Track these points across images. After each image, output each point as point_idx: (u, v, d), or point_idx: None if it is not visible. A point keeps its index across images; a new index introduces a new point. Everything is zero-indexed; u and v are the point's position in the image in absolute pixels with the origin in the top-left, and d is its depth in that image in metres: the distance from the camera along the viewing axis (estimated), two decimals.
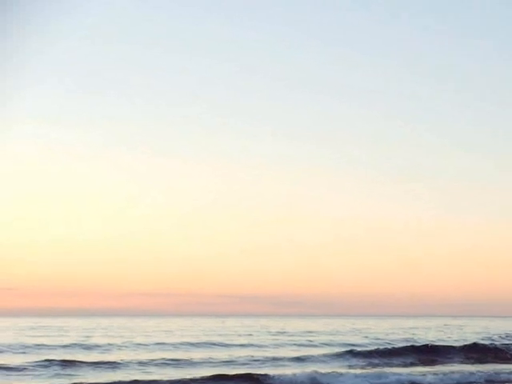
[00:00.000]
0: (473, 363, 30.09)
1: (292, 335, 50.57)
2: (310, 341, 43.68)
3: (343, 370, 24.14)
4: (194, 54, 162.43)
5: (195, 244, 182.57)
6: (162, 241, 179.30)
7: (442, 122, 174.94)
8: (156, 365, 25.86)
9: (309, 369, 23.07)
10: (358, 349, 34.25)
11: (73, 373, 22.56)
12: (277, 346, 39.49)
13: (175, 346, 37.39)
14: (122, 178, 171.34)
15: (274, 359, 29.48)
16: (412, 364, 29.41)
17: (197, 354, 31.06)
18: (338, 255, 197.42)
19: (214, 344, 39.54)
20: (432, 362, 30.14)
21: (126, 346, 36.31)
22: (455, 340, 42.79)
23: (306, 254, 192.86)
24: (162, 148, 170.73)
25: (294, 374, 21.33)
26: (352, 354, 31.85)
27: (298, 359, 29.59)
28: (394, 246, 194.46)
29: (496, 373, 23.79)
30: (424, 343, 37.66)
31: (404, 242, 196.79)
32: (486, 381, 21.99)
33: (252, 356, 30.52)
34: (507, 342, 41.31)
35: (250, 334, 51.67)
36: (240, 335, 50.73)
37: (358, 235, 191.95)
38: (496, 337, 48.12)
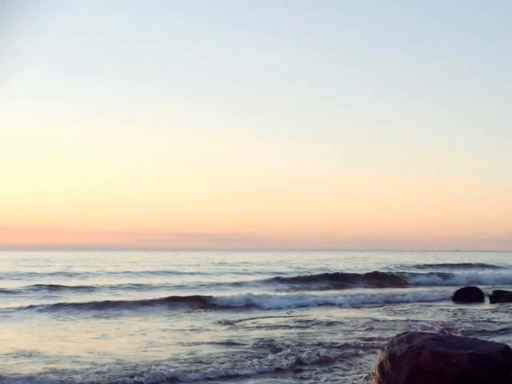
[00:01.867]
0: (374, 287, 30.51)
1: (231, 265, 50.84)
2: (246, 270, 44.02)
3: (272, 293, 24.37)
4: (153, 42, 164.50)
5: (155, 193, 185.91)
6: (128, 190, 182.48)
7: (347, 96, 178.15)
8: (123, 288, 26.00)
9: (244, 292, 23.26)
10: (284, 276, 34.61)
11: (57, 295, 22.69)
12: (219, 273, 39.78)
13: (138, 273, 37.57)
14: (97, 140, 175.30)
15: (217, 284, 29.74)
16: (326, 288, 29.74)
17: (155, 280, 31.22)
18: (268, 201, 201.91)
19: (169, 272, 39.73)
20: (342, 287, 30.49)
21: (99, 274, 36.48)
22: (360, 269, 43.24)
23: (243, 200, 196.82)
24: (128, 117, 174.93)
25: (233, 296, 21.50)
26: (278, 280, 32.19)
27: (236, 284, 29.83)
28: (310, 194, 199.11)
29: (392, 295, 24.19)
30: (335, 272, 38.08)
31: (318, 190, 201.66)
32: (385, 301, 22.28)
33: (199, 282, 30.75)
34: (401, 271, 41.92)
35: (198, 265, 51.91)
36: (190, 265, 50.88)
37: (283, 185, 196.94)
38: (392, 267, 48.73)
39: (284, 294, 24.80)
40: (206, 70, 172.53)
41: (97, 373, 8.83)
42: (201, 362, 9.76)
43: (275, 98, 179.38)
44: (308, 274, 35.62)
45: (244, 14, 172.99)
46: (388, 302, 22.24)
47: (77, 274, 36.25)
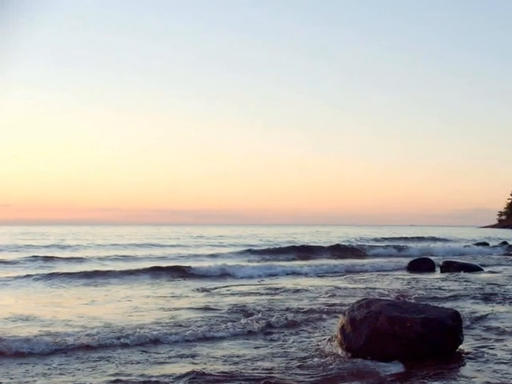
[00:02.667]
0: (336, 258, 30.64)
1: (208, 238, 50.94)
2: (221, 242, 44.08)
3: (244, 263, 24.40)
4: (138, 37, 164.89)
5: (140, 174, 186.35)
6: (116, 171, 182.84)
7: (315, 87, 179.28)
8: (111, 259, 25.97)
9: (220, 262, 23.35)
10: (255, 248, 34.74)
11: (52, 265, 22.67)
12: (197, 246, 39.83)
13: (124, 246, 37.57)
14: (88, 126, 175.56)
15: (195, 255, 29.82)
16: (293, 259, 29.84)
17: (140, 252, 31.23)
18: (243, 182, 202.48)
19: (152, 245, 39.72)
20: (307, 258, 30.62)
21: (89, 247, 36.42)
22: (324, 242, 43.41)
23: (220, 181, 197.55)
24: (117, 105, 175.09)
25: (209, 266, 21.52)
26: (250, 252, 32.29)
27: (212, 256, 29.91)
28: (281, 176, 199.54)
29: (352, 265, 24.32)
30: (302, 244, 38.28)
31: (289, 172, 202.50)
32: (346, 271, 22.39)
33: (179, 253, 30.82)
34: (361, 244, 42.18)
35: (178, 238, 51.94)
36: (171, 238, 50.91)
37: (257, 168, 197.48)
38: (353, 240, 48.99)
39: (255, 264, 24.87)
40: (187, 63, 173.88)
41: (87, 335, 8.84)
42: (180, 326, 9.79)
43: (251, 89, 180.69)
44: (277, 247, 35.74)
45: (220, 12, 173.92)
46: (349, 271, 22.37)
47: (69, 246, 36.27)
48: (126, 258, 26.89)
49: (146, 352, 8.24)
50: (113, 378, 6.80)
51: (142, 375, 6.95)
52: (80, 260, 25.20)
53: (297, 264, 25.42)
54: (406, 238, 54.79)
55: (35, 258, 24.55)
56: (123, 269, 20.87)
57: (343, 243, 40.62)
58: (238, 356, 7.98)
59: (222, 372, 7.02)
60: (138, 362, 7.65)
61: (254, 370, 7.17)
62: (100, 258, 26.21)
